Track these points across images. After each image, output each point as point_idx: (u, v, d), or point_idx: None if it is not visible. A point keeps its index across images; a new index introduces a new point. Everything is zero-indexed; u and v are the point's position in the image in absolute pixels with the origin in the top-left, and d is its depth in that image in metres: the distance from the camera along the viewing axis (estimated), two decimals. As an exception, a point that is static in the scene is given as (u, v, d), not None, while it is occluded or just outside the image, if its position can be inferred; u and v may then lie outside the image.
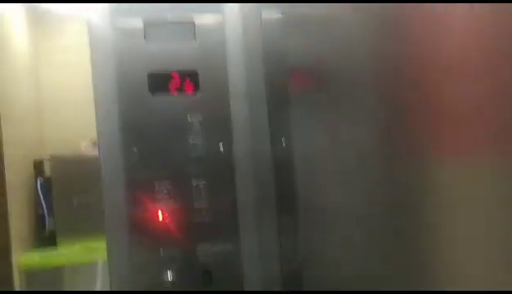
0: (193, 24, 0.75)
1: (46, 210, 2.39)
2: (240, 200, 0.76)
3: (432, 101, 0.40)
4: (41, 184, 2.42)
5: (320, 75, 0.59)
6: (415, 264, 0.44)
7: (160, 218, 0.74)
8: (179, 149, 0.75)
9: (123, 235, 0.74)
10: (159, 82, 0.75)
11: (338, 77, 0.55)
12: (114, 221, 0.74)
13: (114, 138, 0.74)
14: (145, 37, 0.74)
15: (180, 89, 0.75)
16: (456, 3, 0.36)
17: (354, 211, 0.54)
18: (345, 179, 0.55)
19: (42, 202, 2.40)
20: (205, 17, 0.76)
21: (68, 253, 2.28)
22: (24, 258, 2.20)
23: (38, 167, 2.47)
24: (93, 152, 2.15)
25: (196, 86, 0.75)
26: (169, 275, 0.74)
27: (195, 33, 0.75)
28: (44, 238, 2.39)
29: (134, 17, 0.75)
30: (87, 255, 2.19)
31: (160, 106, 0.75)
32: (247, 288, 0.76)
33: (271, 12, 0.72)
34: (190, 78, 0.75)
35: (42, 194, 2.40)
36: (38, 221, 2.43)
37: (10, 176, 2.03)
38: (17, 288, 2.09)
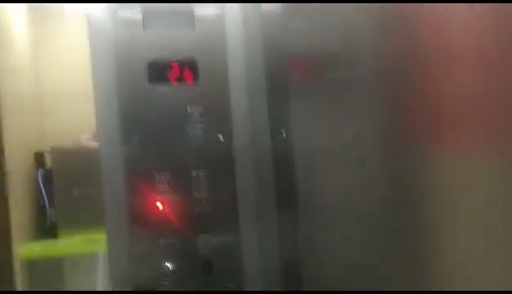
0: (192, 14, 0.75)
1: (47, 201, 2.40)
2: (240, 191, 0.76)
3: (432, 97, 0.40)
4: (42, 176, 2.43)
5: (320, 68, 0.59)
6: (415, 264, 0.44)
7: (160, 209, 0.75)
8: (179, 140, 0.75)
9: (123, 226, 0.74)
10: (159, 72, 0.74)
11: (338, 69, 0.55)
12: (114, 212, 0.74)
13: (114, 129, 0.74)
14: (144, 28, 0.74)
15: (179, 79, 0.75)
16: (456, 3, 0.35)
17: (353, 201, 0.54)
18: (344, 171, 0.55)
19: (43, 193, 2.41)
20: (205, 7, 0.76)
21: (68, 244, 2.29)
22: (26, 248, 2.21)
23: (38, 158, 2.48)
24: (94, 144, 2.15)
25: (196, 77, 0.75)
26: (169, 266, 0.74)
27: (194, 24, 0.75)
28: (45, 229, 2.40)
29: (133, 7, 0.74)
30: (87, 246, 2.20)
31: (160, 97, 0.75)
32: (247, 278, 0.76)
33: (271, 4, 0.72)
34: (189, 68, 0.75)
35: (43, 186, 2.41)
36: (39, 213, 2.44)
37: (11, 168, 2.04)
38: (18, 278, 2.09)
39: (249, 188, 0.76)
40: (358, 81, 0.51)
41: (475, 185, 0.36)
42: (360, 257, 0.53)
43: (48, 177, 2.40)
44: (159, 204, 0.75)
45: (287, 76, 0.68)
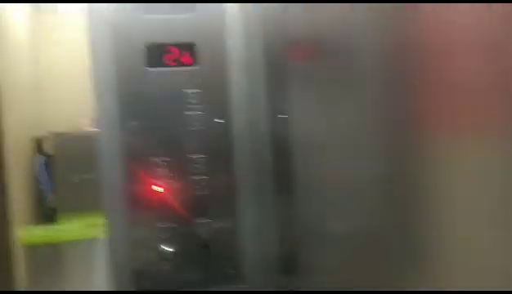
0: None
1: (46, 186, 2.41)
2: (239, 174, 0.76)
3: (433, 83, 0.40)
4: (41, 161, 2.43)
5: (320, 48, 0.59)
6: (415, 245, 0.44)
7: (159, 193, 0.75)
8: (178, 124, 0.75)
9: (122, 210, 0.74)
10: (157, 53, 0.74)
11: (338, 49, 0.54)
12: (113, 196, 0.74)
13: (113, 113, 0.74)
14: (144, 13, 0.74)
15: (178, 60, 0.74)
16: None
17: (352, 186, 0.54)
18: (344, 156, 0.55)
19: (43, 178, 2.41)
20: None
21: (68, 229, 2.30)
22: (25, 233, 2.22)
23: (38, 143, 2.47)
24: (93, 129, 2.15)
25: (195, 61, 0.75)
26: (168, 250, 0.75)
27: (195, 9, 0.74)
28: (45, 214, 2.41)
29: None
30: (87, 231, 2.21)
31: (159, 81, 0.74)
32: (245, 262, 0.77)
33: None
34: (188, 50, 0.74)
35: (43, 171, 2.41)
36: (39, 198, 2.44)
37: (10, 153, 2.04)
38: (17, 263, 2.10)
39: (248, 171, 0.76)
40: (358, 56, 0.50)
41: (475, 185, 0.36)
42: (358, 241, 0.53)
43: (47, 162, 2.40)
44: (157, 188, 0.75)
45: (287, 60, 0.67)
